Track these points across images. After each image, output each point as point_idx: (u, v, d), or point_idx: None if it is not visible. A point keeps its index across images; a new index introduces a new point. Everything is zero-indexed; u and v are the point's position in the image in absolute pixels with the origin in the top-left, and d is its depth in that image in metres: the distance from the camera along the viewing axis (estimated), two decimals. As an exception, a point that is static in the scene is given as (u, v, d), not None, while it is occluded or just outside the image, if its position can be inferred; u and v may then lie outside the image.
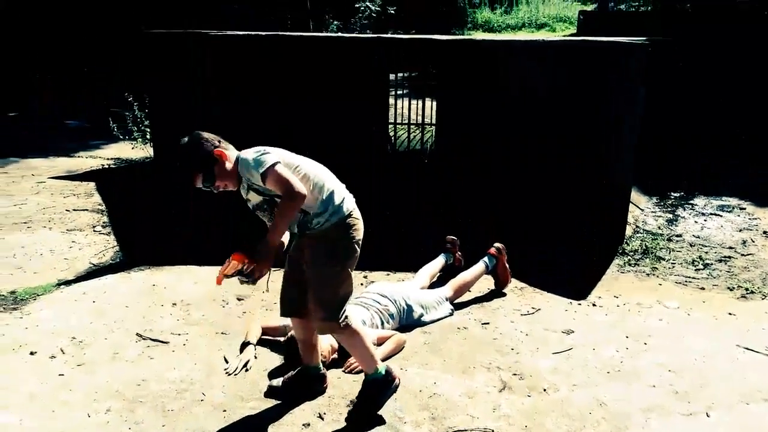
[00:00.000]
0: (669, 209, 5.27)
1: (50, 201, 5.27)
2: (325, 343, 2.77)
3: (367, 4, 13.10)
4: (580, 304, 3.50)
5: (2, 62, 10.06)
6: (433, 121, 4.75)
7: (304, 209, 2.30)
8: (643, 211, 5.22)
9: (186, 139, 2.37)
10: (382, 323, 3.07)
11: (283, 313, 2.56)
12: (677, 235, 4.63)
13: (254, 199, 2.36)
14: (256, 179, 2.26)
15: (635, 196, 5.40)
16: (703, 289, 3.73)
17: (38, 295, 3.50)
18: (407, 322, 3.18)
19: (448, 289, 3.43)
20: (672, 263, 4.12)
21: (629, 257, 4.19)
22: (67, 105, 9.66)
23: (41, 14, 10.33)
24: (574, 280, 3.79)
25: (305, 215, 2.33)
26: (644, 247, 4.32)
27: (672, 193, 5.65)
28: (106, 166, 6.60)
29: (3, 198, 5.30)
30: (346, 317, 2.37)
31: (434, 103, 4.79)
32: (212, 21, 9.24)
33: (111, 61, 10.18)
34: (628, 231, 4.58)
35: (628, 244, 4.38)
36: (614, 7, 23.53)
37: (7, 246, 4.22)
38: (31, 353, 2.87)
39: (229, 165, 2.30)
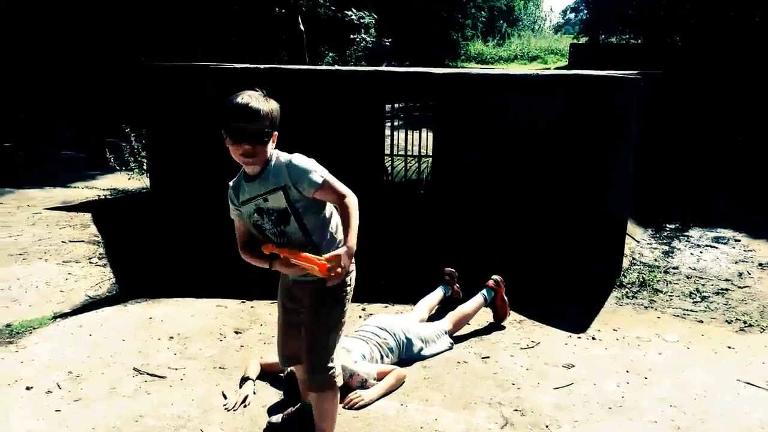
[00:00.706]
0: (665, 241, 5.30)
1: (46, 232, 5.25)
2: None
3: (363, 36, 13.29)
4: (579, 338, 3.49)
5: None
6: (429, 153, 4.78)
7: (314, 242, 2.16)
8: (639, 243, 5.24)
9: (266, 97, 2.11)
10: (382, 357, 3.05)
11: (285, 365, 2.45)
12: (674, 267, 4.65)
13: (271, 203, 2.11)
14: (304, 188, 2.08)
15: (631, 227, 5.43)
16: (701, 322, 3.74)
17: (34, 329, 3.47)
18: (407, 356, 3.16)
19: (447, 322, 3.43)
20: (670, 296, 4.13)
21: (627, 289, 4.20)
22: (62, 135, 9.69)
23: (38, 43, 10.40)
24: (573, 313, 3.79)
25: (309, 250, 2.14)
26: (641, 280, 4.33)
27: (667, 225, 5.69)
28: (102, 197, 6.60)
29: (0, 229, 5.28)
30: (334, 372, 2.24)
31: (430, 135, 4.84)
32: (222, 54, 9.35)
33: (107, 92, 10.26)
34: (625, 263, 4.60)
35: (625, 276, 4.39)
36: (605, 39, 23.99)
37: (2, 278, 4.19)
38: (27, 388, 2.83)
39: (269, 149, 2.10)
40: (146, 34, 10.51)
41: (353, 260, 2.18)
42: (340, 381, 2.27)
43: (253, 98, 2.02)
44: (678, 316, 3.81)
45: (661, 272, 4.52)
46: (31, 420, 2.59)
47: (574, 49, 19.79)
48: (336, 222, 2.24)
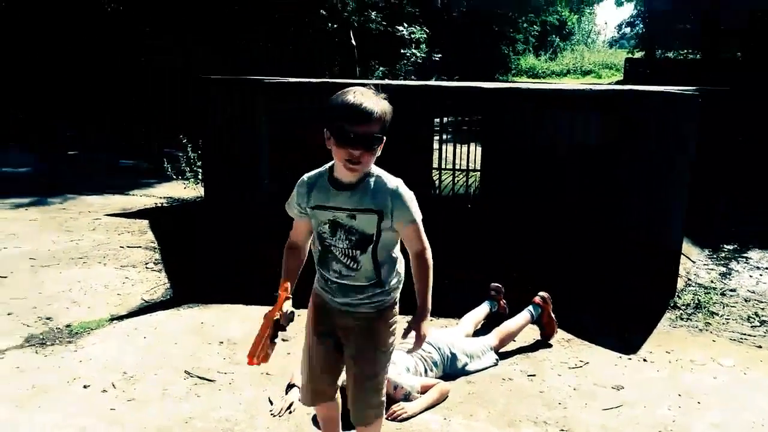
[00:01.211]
0: (722, 262, 5.13)
1: (105, 237, 5.47)
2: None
3: (413, 51, 13.39)
4: (630, 359, 3.41)
5: (64, 104, 10.60)
6: (478, 167, 4.78)
7: (381, 279, 1.98)
8: (695, 264, 5.08)
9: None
10: (426, 371, 3.05)
11: (312, 402, 2.19)
12: (731, 290, 4.49)
13: (358, 223, 1.91)
14: (399, 219, 1.92)
15: (687, 247, 5.27)
16: (760, 347, 3.59)
17: (92, 329, 3.61)
18: (451, 370, 3.15)
19: (493, 337, 3.40)
20: (726, 319, 3.98)
21: (681, 311, 4.07)
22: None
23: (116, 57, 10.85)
24: (624, 334, 3.70)
25: (374, 285, 1.99)
26: (697, 302, 4.20)
27: (725, 246, 5.50)
28: (159, 205, 6.83)
29: (62, 234, 5.53)
30: (383, 405, 2.13)
31: (479, 149, 4.83)
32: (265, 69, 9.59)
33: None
34: (680, 284, 4.47)
35: (679, 298, 4.26)
36: (662, 54, 23.47)
37: (64, 280, 4.38)
38: (84, 386, 2.95)
39: (374, 156, 1.88)
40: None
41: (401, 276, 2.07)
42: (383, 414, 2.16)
43: (367, 97, 1.81)
44: (735, 340, 3.68)
45: (717, 294, 4.37)
46: (86, 417, 2.70)
47: (629, 64, 19.42)
48: (403, 265, 2.07)
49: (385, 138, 1.86)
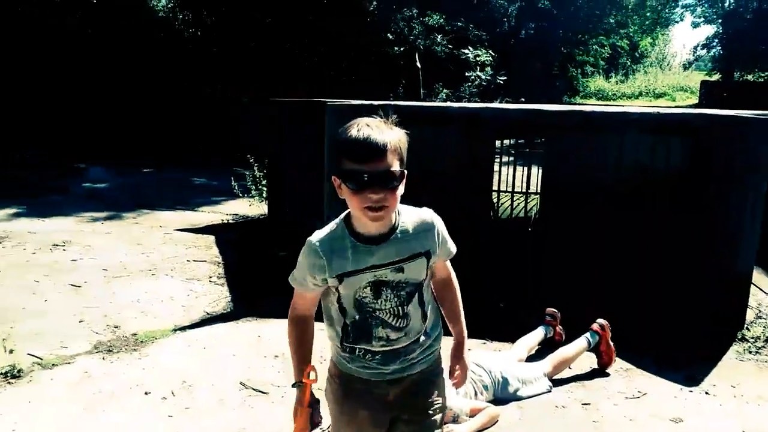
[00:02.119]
0: (798, 294, 4.84)
1: (174, 251, 5.72)
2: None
3: (477, 73, 13.41)
4: (691, 391, 3.27)
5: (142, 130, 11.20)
6: (538, 190, 4.72)
7: (426, 330, 1.73)
8: (767, 295, 4.83)
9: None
10: (476, 394, 3.03)
11: None
12: (807, 324, 4.23)
13: (407, 275, 1.63)
14: (441, 254, 1.71)
15: (758, 277, 5.02)
16: (837, 386, 3.37)
17: (156, 339, 3.78)
18: (502, 395, 3.11)
19: (547, 363, 3.34)
20: (800, 354, 3.76)
21: (750, 344, 3.87)
22: (193, 163, 10.55)
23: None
24: (687, 365, 3.55)
25: (423, 334, 1.72)
26: (767, 335, 3.98)
27: (802, 277, 5.19)
28: (225, 221, 7.09)
29: (135, 246, 5.83)
30: None
31: (539, 171, 4.79)
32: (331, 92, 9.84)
33: (234, 124, 11.06)
34: (750, 315, 4.25)
35: (749, 330, 4.05)
36: (741, 76, 22.52)
37: (133, 291, 4.61)
38: (146, 393, 3.10)
39: (399, 196, 1.57)
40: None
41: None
42: None
43: (374, 127, 1.52)
44: (809, 377, 3.46)
45: (791, 328, 4.13)
46: (146, 422, 2.83)
47: (705, 87, 18.77)
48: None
49: (406, 172, 1.56)
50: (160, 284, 4.79)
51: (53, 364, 3.38)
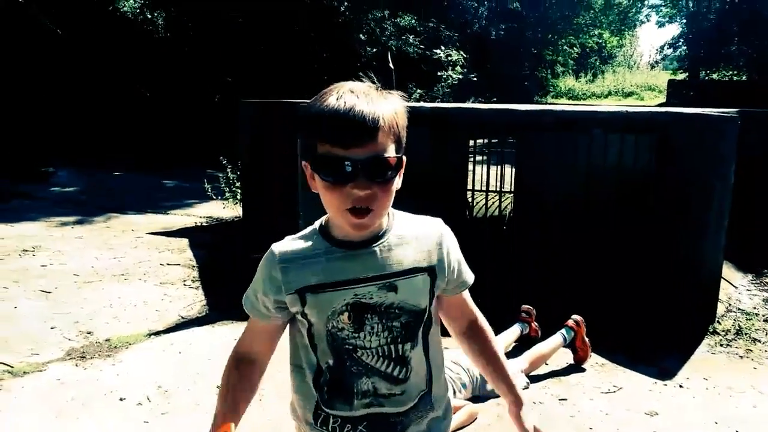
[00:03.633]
0: (766, 287, 4.97)
1: (146, 255, 5.63)
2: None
3: (449, 73, 13.49)
4: (665, 385, 3.33)
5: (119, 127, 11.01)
6: (511, 189, 4.77)
7: (430, 387, 1.26)
8: (737, 289, 4.94)
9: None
10: (455, 392, 3.04)
11: None
12: (775, 316, 4.35)
13: (402, 296, 1.18)
14: (453, 280, 1.28)
15: (729, 272, 5.14)
16: (804, 376, 3.47)
17: (130, 344, 3.72)
18: (481, 392, 3.13)
19: (523, 360, 3.37)
20: (769, 346, 3.86)
21: (721, 337, 3.96)
22: (163, 165, 10.41)
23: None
24: (660, 359, 3.62)
25: (424, 399, 1.26)
26: (738, 327, 4.08)
27: (768, 271, 5.33)
28: (199, 224, 7.00)
29: (106, 251, 5.72)
30: None
31: (512, 171, 4.83)
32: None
33: (205, 125, 10.94)
34: (721, 309, 4.35)
35: (719, 324, 4.15)
36: (706, 75, 23.04)
37: (105, 296, 4.53)
38: (121, 399, 3.04)
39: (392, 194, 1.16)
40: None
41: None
42: None
43: (360, 95, 1.09)
44: (777, 368, 3.56)
45: (760, 320, 4.24)
46: (121, 429, 2.78)
47: (671, 86, 19.15)
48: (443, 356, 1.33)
49: (405, 159, 1.16)
50: (133, 289, 4.71)
51: (24, 372, 3.30)
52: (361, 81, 1.16)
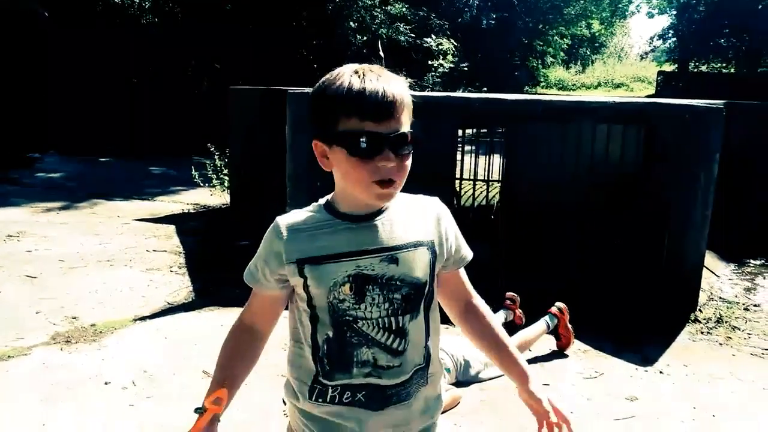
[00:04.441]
0: (747, 277, 5.04)
1: (133, 241, 5.61)
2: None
3: (440, 62, 13.47)
4: (646, 371, 3.38)
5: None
6: (500, 178, 4.79)
7: (427, 361, 1.31)
8: (719, 278, 5.01)
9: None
10: (439, 377, 3.07)
11: None
12: (755, 305, 4.42)
13: (401, 269, 1.21)
14: (452, 256, 1.32)
15: (712, 261, 5.20)
16: (781, 363, 3.53)
17: (116, 329, 3.72)
18: (464, 378, 3.17)
19: (507, 346, 3.40)
20: (748, 334, 3.92)
21: (702, 325, 4.02)
22: (150, 152, 10.35)
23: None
24: (642, 346, 3.67)
25: (422, 371, 1.30)
26: (718, 316, 4.14)
27: (751, 261, 5.41)
28: (186, 211, 6.98)
29: (92, 237, 5.70)
30: None
31: (502, 160, 4.85)
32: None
33: (192, 112, 10.86)
34: (702, 298, 4.41)
35: (701, 312, 4.21)
36: (695, 67, 23.16)
37: (91, 282, 4.51)
38: (106, 383, 3.05)
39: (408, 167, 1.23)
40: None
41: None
42: None
43: (378, 76, 1.15)
44: (756, 355, 3.62)
45: (740, 309, 4.31)
46: (106, 412, 2.79)
47: (661, 77, 19.25)
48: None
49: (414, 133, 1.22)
50: (119, 275, 4.70)
51: (9, 356, 3.30)
52: (374, 61, 1.21)
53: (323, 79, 1.19)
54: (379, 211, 1.22)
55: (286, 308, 1.36)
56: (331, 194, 1.27)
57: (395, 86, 1.15)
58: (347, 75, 1.14)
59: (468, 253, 1.37)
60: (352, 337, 1.21)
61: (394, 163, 1.15)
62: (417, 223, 1.25)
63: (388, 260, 1.20)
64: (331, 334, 1.22)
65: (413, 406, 1.28)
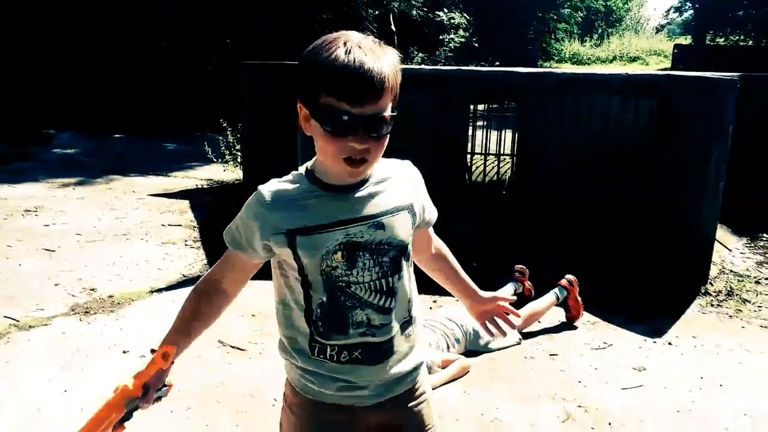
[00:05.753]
0: (759, 251, 5.03)
1: (148, 216, 5.69)
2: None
3: (452, 36, 13.33)
4: (655, 342, 3.41)
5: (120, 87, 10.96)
6: (512, 152, 4.79)
7: (412, 315, 1.36)
8: (731, 252, 5.00)
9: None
10: (448, 347, 3.12)
11: None
12: (766, 278, 4.41)
13: (388, 233, 1.26)
14: (423, 216, 1.38)
15: (724, 235, 5.19)
16: (791, 335, 3.54)
17: (133, 300, 3.80)
18: (473, 347, 3.22)
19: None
20: (759, 306, 3.93)
21: (712, 298, 4.04)
22: (164, 128, 10.41)
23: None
24: (651, 318, 3.69)
25: (408, 325, 1.35)
26: (729, 289, 4.15)
27: (764, 234, 5.38)
28: (200, 186, 7.05)
29: (108, 211, 5.79)
30: None
31: (515, 135, 4.84)
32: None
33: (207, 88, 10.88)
34: (714, 271, 4.42)
35: (712, 285, 4.22)
36: (713, 40, 22.73)
37: (108, 254, 4.60)
38: (124, 352, 3.14)
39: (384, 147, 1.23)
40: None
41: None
42: None
43: (367, 51, 1.12)
44: (765, 327, 3.63)
45: (751, 282, 4.31)
46: (124, 379, 2.87)
47: (677, 50, 18.92)
48: None
49: (395, 113, 1.20)
50: (135, 248, 4.78)
51: (30, 326, 3.39)
52: (366, 33, 1.21)
53: (319, 42, 1.16)
54: (363, 181, 1.26)
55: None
56: (311, 162, 1.28)
57: (382, 65, 1.13)
58: (336, 48, 1.12)
59: (435, 214, 1.45)
60: (346, 301, 1.25)
61: (367, 144, 1.16)
62: (397, 189, 1.30)
63: (375, 226, 1.24)
64: (324, 299, 1.25)
65: (400, 352, 1.34)
